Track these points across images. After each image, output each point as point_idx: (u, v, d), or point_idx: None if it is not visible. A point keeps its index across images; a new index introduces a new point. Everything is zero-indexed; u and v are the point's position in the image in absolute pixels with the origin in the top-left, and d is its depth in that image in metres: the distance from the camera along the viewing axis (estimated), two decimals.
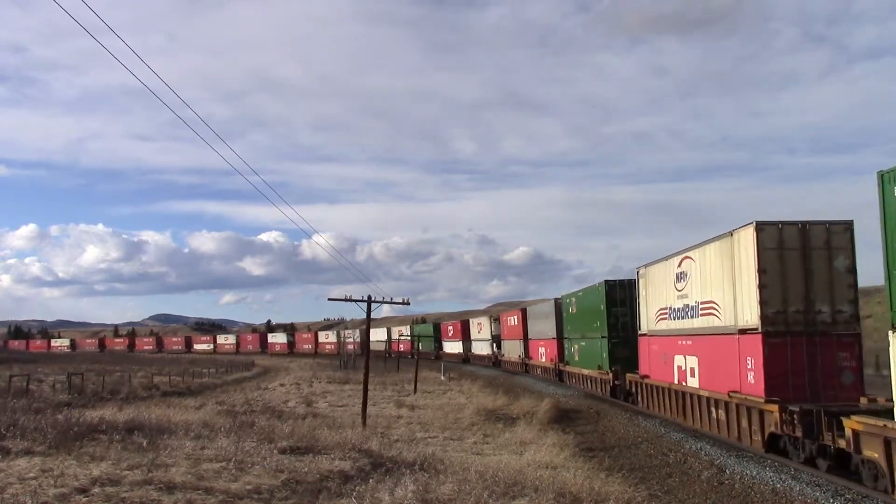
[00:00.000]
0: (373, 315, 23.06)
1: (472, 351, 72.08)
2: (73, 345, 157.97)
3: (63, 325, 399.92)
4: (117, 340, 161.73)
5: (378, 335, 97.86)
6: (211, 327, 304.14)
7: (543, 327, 44.87)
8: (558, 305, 41.03)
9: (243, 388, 41.90)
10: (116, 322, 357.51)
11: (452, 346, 79.17)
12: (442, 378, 46.42)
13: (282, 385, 42.81)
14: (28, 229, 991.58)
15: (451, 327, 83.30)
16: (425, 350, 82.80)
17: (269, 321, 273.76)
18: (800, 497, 13.15)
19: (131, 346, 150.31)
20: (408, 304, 25.25)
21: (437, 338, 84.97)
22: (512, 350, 55.91)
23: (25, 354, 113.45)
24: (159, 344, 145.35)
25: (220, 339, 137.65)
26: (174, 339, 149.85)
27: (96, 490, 10.13)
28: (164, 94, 15.18)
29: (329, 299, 32.02)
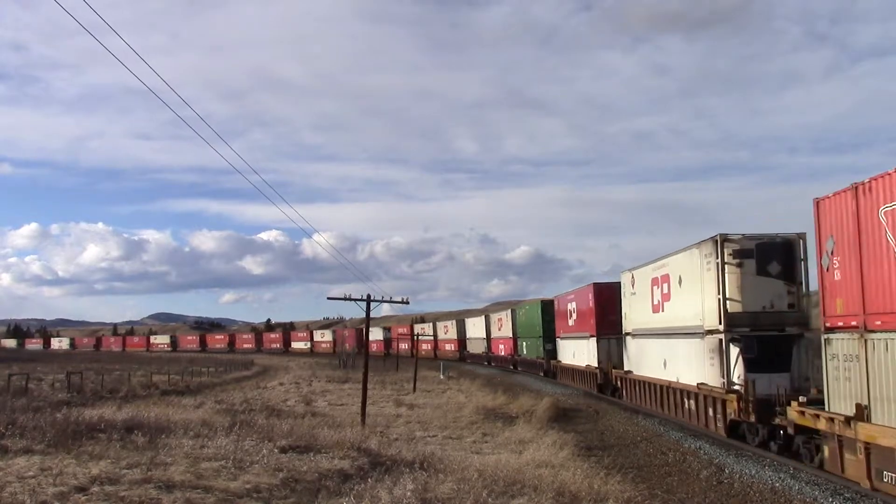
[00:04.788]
0: (374, 314, 23.12)
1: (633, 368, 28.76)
2: (174, 342, 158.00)
3: (63, 325, 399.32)
4: (217, 338, 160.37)
5: (475, 331, 73.39)
6: (210, 326, 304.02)
7: None
8: None
9: (242, 388, 41.86)
10: (115, 321, 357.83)
11: (571, 350, 40.16)
12: (441, 377, 46.44)
13: (281, 384, 42.82)
14: (29, 228, 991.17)
15: (570, 303, 39.75)
16: (530, 357, 51.43)
17: (268, 320, 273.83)
18: (798, 496, 13.16)
19: (231, 343, 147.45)
20: (407, 303, 25.26)
21: (549, 332, 46.04)
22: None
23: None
24: (258, 342, 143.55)
25: (317, 335, 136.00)
26: (272, 336, 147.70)
27: (95, 489, 10.14)
28: (164, 93, 15.14)
29: (328, 298, 31.96)
